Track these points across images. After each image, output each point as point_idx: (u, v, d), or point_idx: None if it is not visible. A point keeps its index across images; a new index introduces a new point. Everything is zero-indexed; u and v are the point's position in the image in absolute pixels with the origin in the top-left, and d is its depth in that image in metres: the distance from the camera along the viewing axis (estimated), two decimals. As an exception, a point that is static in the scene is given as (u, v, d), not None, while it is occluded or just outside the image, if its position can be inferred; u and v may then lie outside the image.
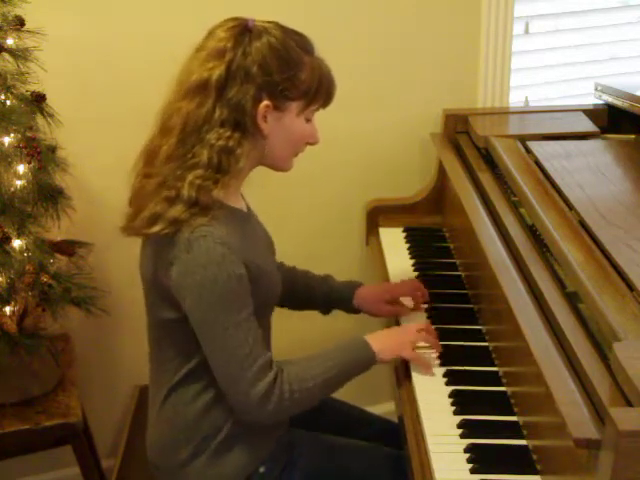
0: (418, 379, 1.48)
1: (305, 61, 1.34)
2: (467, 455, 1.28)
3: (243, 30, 1.31)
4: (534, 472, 1.23)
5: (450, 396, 1.43)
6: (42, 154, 1.63)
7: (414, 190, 2.17)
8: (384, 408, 2.07)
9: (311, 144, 1.44)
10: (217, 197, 1.32)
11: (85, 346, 2.07)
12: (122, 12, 1.87)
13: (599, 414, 1.06)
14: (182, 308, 1.32)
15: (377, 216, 2.14)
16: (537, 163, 1.73)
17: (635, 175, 1.68)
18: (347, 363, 1.42)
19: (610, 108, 2.06)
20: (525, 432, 1.31)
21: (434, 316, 1.69)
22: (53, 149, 1.73)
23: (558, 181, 1.61)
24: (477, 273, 1.72)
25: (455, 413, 1.39)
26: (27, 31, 1.64)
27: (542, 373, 1.16)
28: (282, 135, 1.37)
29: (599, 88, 2.10)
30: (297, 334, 2.19)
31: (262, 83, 1.30)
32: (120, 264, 1.98)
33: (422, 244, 2.02)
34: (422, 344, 1.53)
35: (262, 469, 1.45)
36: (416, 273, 1.87)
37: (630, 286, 1.22)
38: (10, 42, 1.62)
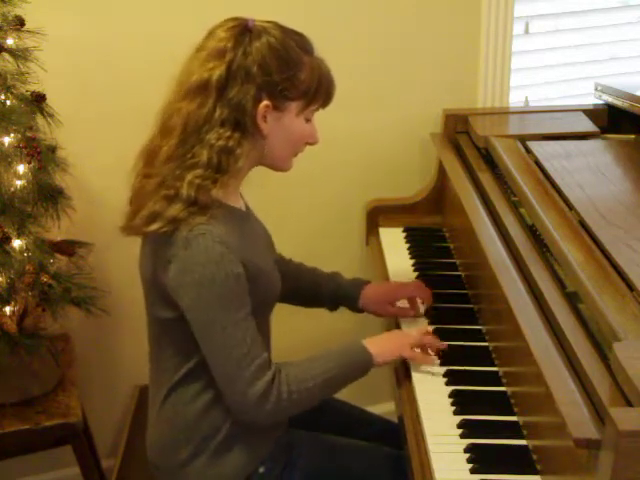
0: (418, 379, 1.48)
1: (305, 61, 1.34)
2: (467, 455, 1.28)
3: (243, 30, 1.32)
4: (534, 472, 1.23)
5: (450, 396, 1.43)
6: (42, 154, 1.63)
7: (414, 190, 2.17)
8: (384, 408, 2.07)
9: (311, 144, 1.44)
10: (216, 196, 1.32)
11: (85, 346, 2.07)
12: (122, 12, 1.87)
13: (599, 414, 1.06)
14: (180, 307, 1.32)
15: (377, 216, 2.14)
16: (537, 163, 1.73)
17: (635, 175, 1.68)
18: (345, 366, 1.42)
19: (610, 108, 2.06)
20: (525, 432, 1.31)
21: (434, 316, 1.69)
22: (53, 149, 1.73)
23: (558, 181, 1.61)
24: (477, 273, 1.72)
25: (455, 413, 1.39)
26: (27, 31, 1.64)
27: (542, 373, 1.16)
28: (282, 135, 1.37)
29: (599, 88, 2.10)
30: (301, 333, 2.19)
31: (262, 83, 1.30)
32: (120, 264, 1.98)
33: (422, 244, 2.02)
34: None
35: (262, 469, 1.45)
36: (416, 273, 1.87)
37: (630, 286, 1.22)
38: (10, 42, 1.62)
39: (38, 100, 1.66)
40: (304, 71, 1.34)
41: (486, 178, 1.82)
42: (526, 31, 2.32)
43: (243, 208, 1.46)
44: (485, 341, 1.58)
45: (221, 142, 1.30)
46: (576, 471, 1.06)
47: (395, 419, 1.62)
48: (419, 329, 1.58)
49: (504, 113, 2.20)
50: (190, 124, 1.30)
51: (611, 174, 1.68)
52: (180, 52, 1.35)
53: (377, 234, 2.09)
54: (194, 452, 1.42)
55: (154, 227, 1.30)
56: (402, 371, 1.54)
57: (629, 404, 1.02)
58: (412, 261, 1.94)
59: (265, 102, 1.32)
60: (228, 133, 1.30)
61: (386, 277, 1.87)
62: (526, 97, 2.23)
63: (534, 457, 1.26)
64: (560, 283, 1.37)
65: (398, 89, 2.17)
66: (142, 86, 1.78)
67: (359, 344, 1.46)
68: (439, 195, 2.11)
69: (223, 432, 1.41)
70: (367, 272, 2.02)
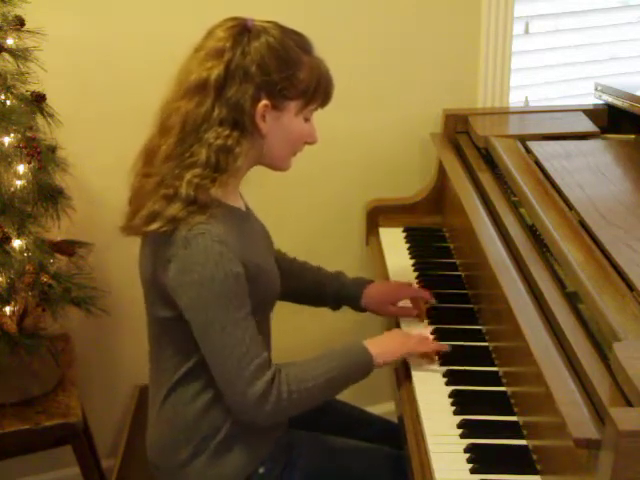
0: (418, 379, 1.48)
1: (304, 61, 1.34)
2: (467, 455, 1.28)
3: (242, 30, 1.32)
4: (534, 472, 1.23)
5: (450, 396, 1.43)
6: (42, 154, 1.63)
7: (414, 190, 2.17)
8: (384, 408, 2.07)
9: (309, 144, 1.44)
10: (215, 196, 1.32)
11: (85, 346, 2.07)
12: (122, 12, 1.87)
13: (599, 414, 1.06)
14: (179, 306, 1.32)
15: (377, 216, 2.14)
16: (537, 163, 1.73)
17: (635, 175, 1.68)
18: (346, 367, 1.42)
19: (610, 108, 2.06)
20: (525, 432, 1.31)
21: (434, 316, 1.69)
22: (53, 149, 1.73)
23: (558, 181, 1.61)
24: (477, 273, 1.72)
25: (455, 413, 1.39)
26: (27, 31, 1.64)
27: (542, 373, 1.16)
28: (280, 134, 1.37)
29: (599, 88, 2.10)
30: (302, 333, 2.19)
31: (261, 83, 1.30)
32: (120, 264, 1.98)
33: (422, 244, 2.02)
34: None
35: (262, 469, 1.45)
36: (416, 273, 1.87)
37: (630, 286, 1.22)
38: (10, 42, 1.62)
39: (38, 100, 1.66)
40: (303, 71, 1.34)
41: (486, 178, 1.82)
42: (526, 31, 2.32)
43: (243, 208, 1.46)
44: (485, 341, 1.58)
45: (220, 141, 1.30)
46: (576, 471, 1.06)
47: (395, 419, 1.62)
48: (420, 333, 1.58)
49: (504, 113, 2.20)
50: (189, 123, 1.30)
51: (611, 174, 1.68)
52: (180, 52, 1.35)
53: (377, 234, 2.09)
54: (194, 452, 1.42)
55: (153, 227, 1.30)
56: (402, 371, 1.54)
57: (629, 404, 1.01)
58: (412, 261, 1.94)
59: (264, 101, 1.32)
60: (227, 132, 1.30)
61: (386, 277, 1.87)
62: (526, 97, 2.23)
63: (534, 457, 1.26)
64: (560, 283, 1.37)
65: (398, 89, 2.17)
66: (142, 86, 1.78)
67: (360, 345, 1.46)
68: (439, 195, 2.11)
69: (223, 432, 1.41)
70: (367, 272, 2.02)
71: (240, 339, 1.29)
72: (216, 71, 1.29)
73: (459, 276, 1.86)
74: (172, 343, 1.41)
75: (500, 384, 1.45)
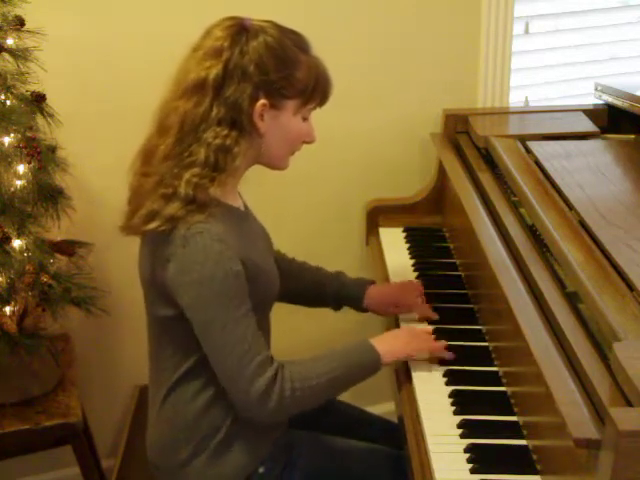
0: (418, 379, 1.48)
1: (301, 60, 1.35)
2: (467, 455, 1.28)
3: (240, 29, 1.32)
4: (534, 472, 1.23)
5: (450, 396, 1.43)
6: (42, 154, 1.63)
7: (414, 190, 2.17)
8: (384, 408, 2.07)
9: (308, 143, 1.44)
10: (214, 195, 1.33)
11: (85, 346, 2.07)
12: (122, 12, 1.87)
13: (599, 414, 1.06)
14: (179, 305, 1.32)
15: (377, 216, 2.14)
16: (537, 163, 1.73)
17: (635, 175, 1.68)
18: (352, 365, 1.42)
19: (610, 108, 2.06)
20: (525, 432, 1.31)
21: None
22: (53, 149, 1.73)
23: (558, 181, 1.61)
24: (477, 273, 1.72)
25: (455, 413, 1.39)
26: (27, 31, 1.64)
27: (542, 373, 1.16)
28: (279, 134, 1.37)
29: (599, 88, 2.10)
30: (301, 333, 2.19)
31: (259, 82, 1.31)
32: (120, 264, 1.98)
33: (422, 244, 2.02)
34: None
35: (262, 469, 1.45)
36: (416, 273, 1.87)
37: (630, 286, 1.22)
38: (10, 42, 1.62)
39: (38, 100, 1.66)
40: (301, 70, 1.34)
41: (486, 178, 1.82)
42: (526, 31, 2.32)
43: (242, 207, 1.46)
44: (485, 341, 1.58)
45: (218, 140, 1.30)
46: (576, 471, 1.06)
47: (395, 419, 1.62)
48: (425, 328, 1.58)
49: (504, 113, 2.20)
50: (187, 123, 1.30)
51: (611, 174, 1.68)
52: (180, 52, 1.35)
53: (377, 234, 2.09)
54: (194, 452, 1.42)
55: (152, 226, 1.30)
56: (402, 371, 1.54)
57: (629, 404, 1.01)
58: (412, 261, 1.94)
59: (262, 101, 1.32)
60: (225, 132, 1.31)
61: (386, 277, 1.87)
62: (526, 97, 2.23)
63: (534, 457, 1.26)
64: (560, 283, 1.37)
65: (398, 89, 2.17)
66: (142, 86, 1.78)
67: (367, 343, 1.45)
68: (439, 195, 2.11)
69: (223, 431, 1.41)
70: (367, 272, 2.02)
71: (241, 337, 1.29)
72: (214, 70, 1.29)
73: (459, 276, 1.86)
74: (172, 342, 1.41)
75: (500, 384, 1.45)
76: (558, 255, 1.39)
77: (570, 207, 1.51)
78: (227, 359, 1.30)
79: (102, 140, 1.93)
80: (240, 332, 1.29)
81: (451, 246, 2.00)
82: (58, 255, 1.75)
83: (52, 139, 1.73)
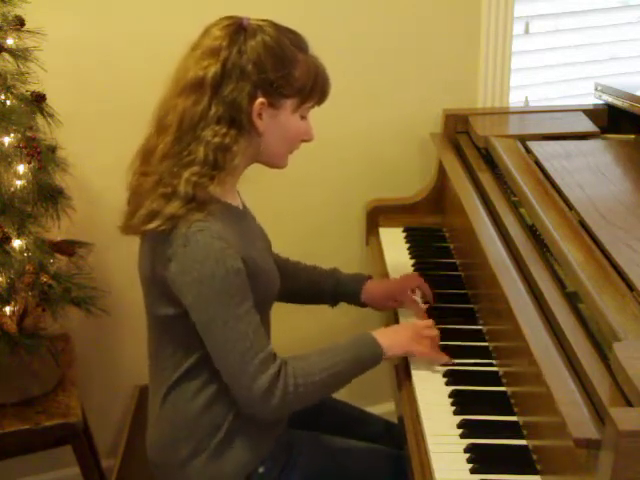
0: (418, 379, 1.48)
1: (299, 59, 1.35)
2: (467, 455, 1.28)
3: (238, 29, 1.32)
4: (534, 472, 1.23)
5: (450, 396, 1.43)
6: (42, 154, 1.63)
7: (414, 190, 2.17)
8: (384, 408, 2.07)
9: (306, 141, 1.44)
10: (214, 193, 1.33)
11: (85, 346, 2.07)
12: (122, 12, 1.87)
13: (599, 414, 1.06)
14: (182, 304, 1.32)
15: (377, 216, 2.14)
16: (537, 163, 1.73)
17: (635, 175, 1.68)
18: (354, 359, 1.42)
19: (610, 108, 2.06)
20: (525, 432, 1.31)
21: (434, 316, 1.68)
22: (53, 149, 1.73)
23: (558, 181, 1.61)
24: (477, 273, 1.72)
25: (455, 413, 1.39)
26: (27, 31, 1.64)
27: (542, 373, 1.16)
28: (277, 132, 1.38)
29: (599, 88, 2.10)
30: (298, 332, 2.19)
31: (257, 81, 1.31)
32: (120, 264, 1.98)
33: (422, 244, 2.02)
34: None
35: (262, 469, 1.45)
36: (416, 273, 1.87)
37: (630, 286, 1.22)
38: (10, 42, 1.62)
39: (38, 100, 1.66)
40: (299, 69, 1.35)
41: (486, 178, 1.82)
42: (526, 31, 2.32)
43: (240, 206, 1.46)
44: (485, 341, 1.58)
45: (217, 139, 1.30)
46: (576, 471, 1.06)
47: (395, 419, 1.62)
48: (426, 322, 1.59)
49: (504, 113, 2.20)
50: (185, 121, 1.31)
51: (611, 174, 1.68)
52: (180, 52, 1.35)
53: (377, 234, 2.10)
54: (194, 451, 1.42)
55: (153, 225, 1.30)
56: (402, 371, 1.54)
57: (629, 404, 1.01)
58: (412, 261, 1.94)
59: (260, 99, 1.32)
60: (224, 130, 1.31)
61: (386, 277, 1.87)
62: (526, 97, 2.23)
63: (534, 457, 1.26)
64: (560, 283, 1.37)
65: (398, 89, 2.17)
66: (142, 86, 1.78)
67: (369, 336, 1.46)
68: (439, 195, 2.11)
69: (223, 430, 1.41)
70: (367, 272, 2.01)
71: (243, 334, 1.29)
72: (213, 69, 1.29)
73: (459, 276, 1.86)
74: (172, 341, 1.41)
75: (500, 384, 1.45)
76: (558, 255, 1.39)
77: (570, 207, 1.51)
78: (229, 356, 1.30)
79: (102, 140, 1.93)
80: (242, 329, 1.29)
81: (451, 246, 2.00)
82: (58, 255, 1.75)
83: (52, 139, 1.73)
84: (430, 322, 1.57)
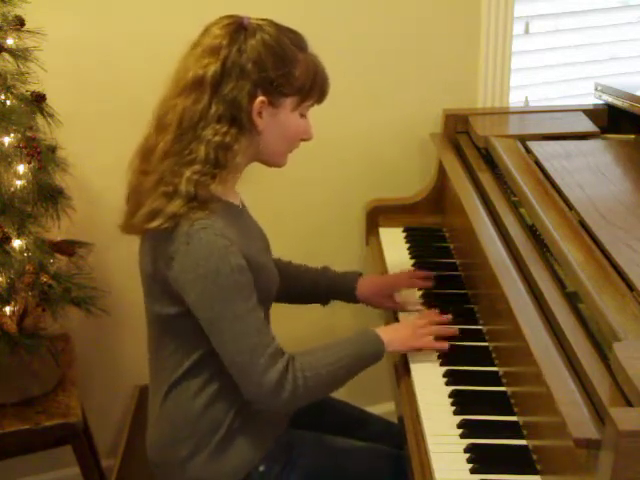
0: (418, 379, 1.48)
1: (299, 58, 1.35)
2: (467, 455, 1.28)
3: (238, 27, 1.32)
4: (534, 472, 1.23)
5: (450, 396, 1.43)
6: (42, 154, 1.63)
7: (414, 190, 2.17)
8: (384, 408, 2.07)
9: (305, 140, 1.45)
10: (215, 192, 1.33)
11: (85, 346, 2.07)
12: (122, 12, 1.87)
13: (599, 414, 1.06)
14: (184, 302, 1.32)
15: (377, 216, 2.14)
16: (537, 163, 1.73)
17: (635, 175, 1.68)
18: (358, 354, 1.43)
19: (610, 108, 2.06)
20: (525, 432, 1.31)
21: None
22: (53, 149, 1.73)
23: (558, 181, 1.61)
24: (477, 273, 1.72)
25: (455, 413, 1.38)
26: (27, 31, 1.64)
27: (542, 373, 1.16)
28: (277, 131, 1.38)
29: (599, 88, 2.10)
30: (296, 332, 2.18)
31: (257, 79, 1.31)
32: (120, 264, 1.98)
33: (422, 244, 2.02)
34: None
35: (262, 468, 1.45)
36: (411, 270, 1.87)
37: (630, 286, 1.22)
38: (10, 42, 1.62)
39: (38, 100, 1.66)
40: (298, 68, 1.35)
41: (486, 178, 1.81)
42: (526, 31, 2.32)
43: (240, 205, 1.46)
44: (485, 341, 1.58)
45: (218, 138, 1.30)
46: (576, 471, 1.06)
47: (395, 419, 1.62)
48: (429, 313, 1.59)
49: (504, 113, 2.20)
50: (185, 120, 1.31)
51: (611, 174, 1.68)
52: (180, 52, 1.35)
53: (377, 234, 2.10)
54: (195, 449, 1.43)
55: (155, 224, 1.30)
56: (402, 371, 1.54)
57: (629, 404, 1.01)
58: (412, 261, 1.94)
59: (260, 98, 1.32)
60: (224, 129, 1.31)
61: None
62: (526, 97, 2.23)
63: (534, 457, 1.26)
64: (560, 283, 1.37)
65: (398, 89, 2.17)
66: (142, 86, 1.78)
67: (372, 332, 1.48)
68: (439, 195, 2.11)
69: (224, 429, 1.42)
70: (367, 272, 2.02)
71: (251, 329, 1.30)
72: (213, 68, 1.30)
73: (459, 276, 1.86)
74: (173, 341, 1.41)
75: (500, 384, 1.45)
76: (558, 255, 1.39)
77: (570, 207, 1.51)
78: (238, 353, 1.30)
79: (102, 140, 1.93)
80: (250, 325, 1.30)
81: (451, 246, 1.99)
82: (58, 255, 1.75)
83: (52, 139, 1.73)
84: (446, 318, 1.59)
